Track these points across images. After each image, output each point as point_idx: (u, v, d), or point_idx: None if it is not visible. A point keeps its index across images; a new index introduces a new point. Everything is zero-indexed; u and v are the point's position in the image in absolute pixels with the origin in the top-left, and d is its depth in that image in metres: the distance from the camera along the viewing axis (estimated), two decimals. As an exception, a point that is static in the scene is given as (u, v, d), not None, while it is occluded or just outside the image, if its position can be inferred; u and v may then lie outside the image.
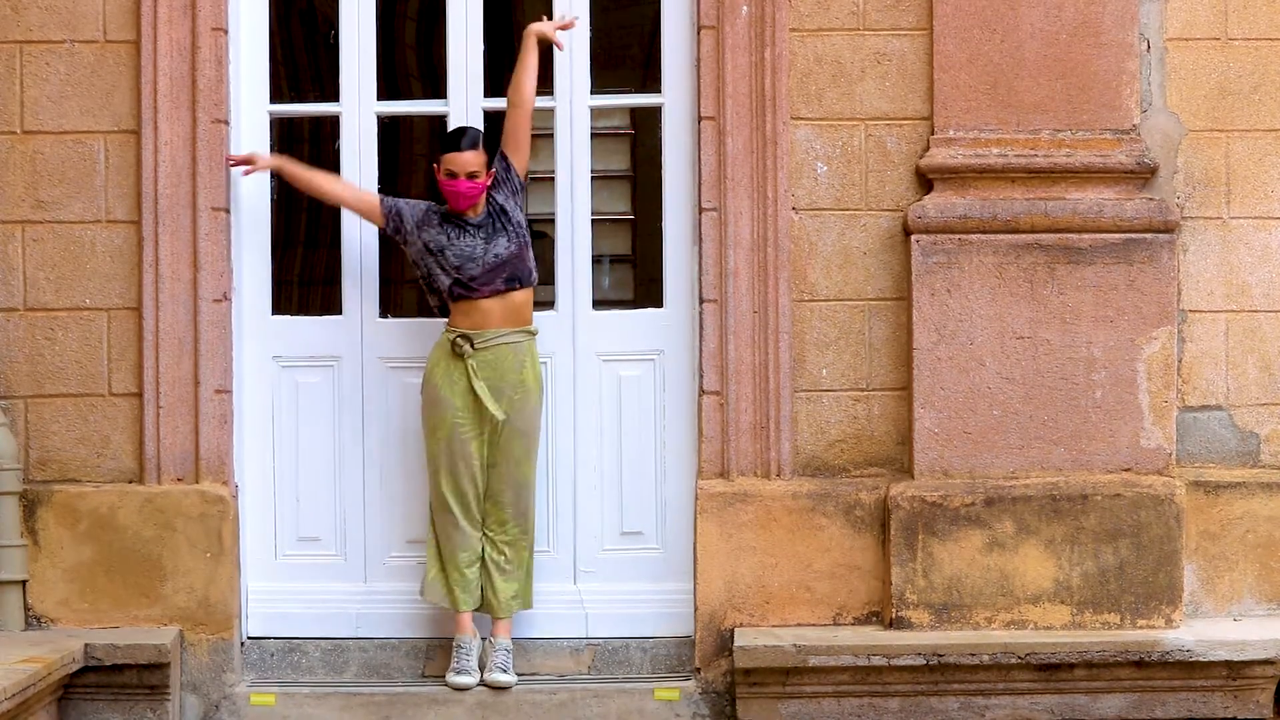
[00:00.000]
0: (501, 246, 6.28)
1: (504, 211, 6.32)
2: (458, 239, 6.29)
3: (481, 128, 6.46)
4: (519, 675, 6.37)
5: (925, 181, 6.40)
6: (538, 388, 6.36)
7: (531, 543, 6.40)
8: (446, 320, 6.35)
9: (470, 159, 6.25)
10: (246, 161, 6.42)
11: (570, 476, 6.58)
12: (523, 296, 6.33)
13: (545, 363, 6.50)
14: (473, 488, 6.31)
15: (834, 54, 6.42)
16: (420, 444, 6.41)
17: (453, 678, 6.29)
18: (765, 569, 6.36)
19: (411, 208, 6.38)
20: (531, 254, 6.37)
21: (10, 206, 6.42)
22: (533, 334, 6.36)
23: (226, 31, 6.43)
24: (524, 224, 6.38)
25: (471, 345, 6.25)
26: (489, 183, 6.31)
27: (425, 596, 6.39)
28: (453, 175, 6.26)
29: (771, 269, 6.39)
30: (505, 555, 6.35)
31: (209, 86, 6.39)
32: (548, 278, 6.63)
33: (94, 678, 6.14)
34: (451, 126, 6.54)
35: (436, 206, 6.39)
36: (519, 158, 6.38)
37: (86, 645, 6.11)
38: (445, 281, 6.30)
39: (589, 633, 6.54)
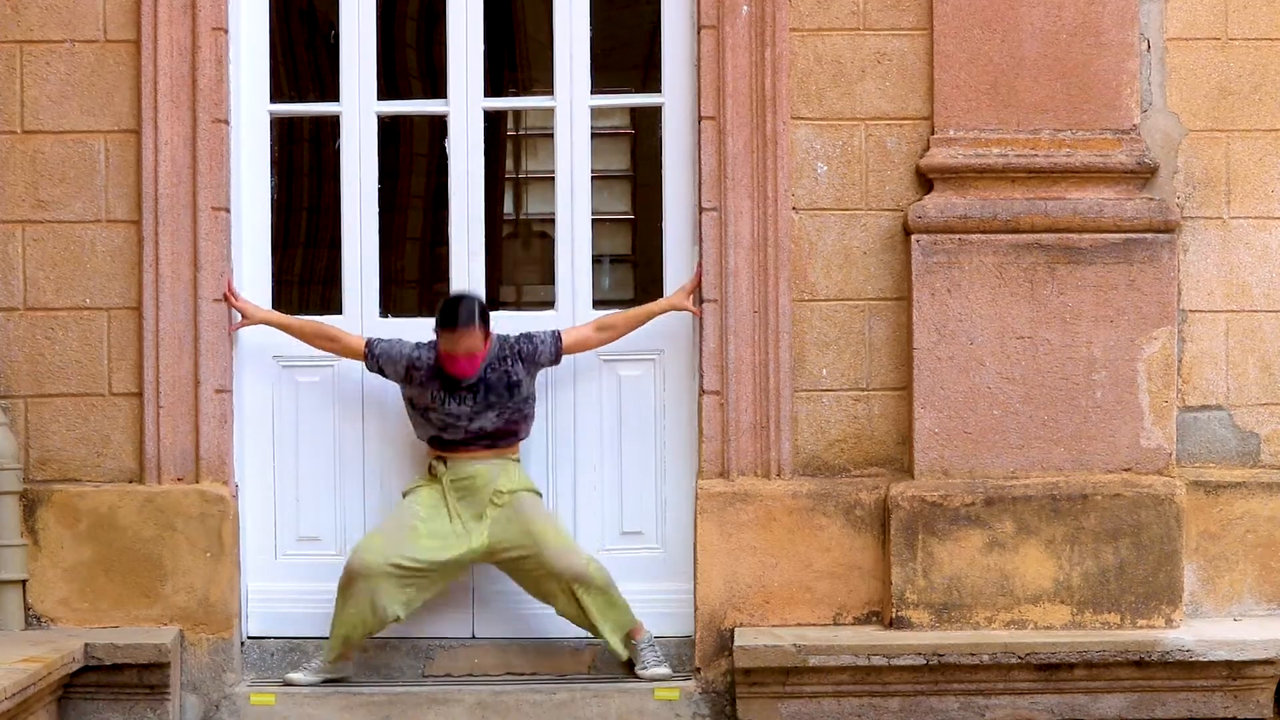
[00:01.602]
0: (488, 421, 6.23)
1: (510, 386, 6.24)
2: (444, 404, 6.23)
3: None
4: (519, 675, 6.39)
5: (925, 181, 6.40)
6: (528, 486, 6.32)
7: (598, 585, 6.28)
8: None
9: (467, 340, 6.13)
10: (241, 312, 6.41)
11: (570, 476, 6.58)
12: (504, 447, 6.31)
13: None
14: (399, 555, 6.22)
15: (834, 54, 6.41)
16: (418, 441, 6.42)
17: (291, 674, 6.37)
18: (765, 569, 6.36)
19: (396, 361, 6.27)
20: (529, 423, 6.33)
21: (10, 206, 6.42)
22: (514, 460, 6.34)
23: (226, 31, 6.43)
24: (532, 397, 6.30)
25: (445, 465, 6.26)
26: (489, 349, 6.22)
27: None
28: (451, 351, 6.17)
29: (771, 269, 6.39)
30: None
31: (209, 86, 6.39)
32: (548, 278, 6.62)
33: (94, 677, 6.14)
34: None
35: (427, 355, 6.26)
36: (589, 341, 6.38)
37: (86, 645, 6.11)
38: (425, 434, 6.30)
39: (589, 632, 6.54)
